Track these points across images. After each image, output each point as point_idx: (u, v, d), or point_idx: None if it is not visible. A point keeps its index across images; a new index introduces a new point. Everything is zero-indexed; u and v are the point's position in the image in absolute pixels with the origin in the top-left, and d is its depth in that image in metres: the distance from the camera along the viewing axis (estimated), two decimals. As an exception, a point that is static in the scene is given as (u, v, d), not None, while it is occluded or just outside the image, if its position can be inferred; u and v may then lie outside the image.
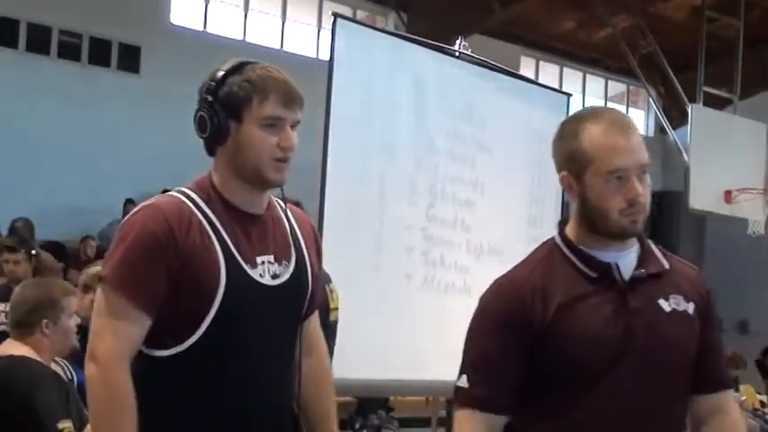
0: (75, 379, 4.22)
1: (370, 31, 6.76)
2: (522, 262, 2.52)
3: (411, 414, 10.50)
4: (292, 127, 2.48)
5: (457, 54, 6.70)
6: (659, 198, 17.75)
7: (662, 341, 2.35)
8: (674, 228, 17.31)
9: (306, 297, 2.61)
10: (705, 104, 12.67)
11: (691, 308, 2.43)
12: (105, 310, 2.37)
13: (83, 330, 5.05)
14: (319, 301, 2.79)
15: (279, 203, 2.64)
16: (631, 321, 2.33)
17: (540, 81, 12.49)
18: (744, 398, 11.66)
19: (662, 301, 2.39)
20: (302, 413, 2.66)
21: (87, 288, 5.10)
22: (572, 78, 18.79)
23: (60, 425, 3.60)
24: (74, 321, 4.00)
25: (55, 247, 12.56)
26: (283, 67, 2.56)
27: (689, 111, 12.20)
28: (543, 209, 7.18)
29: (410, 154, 6.26)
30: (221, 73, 2.48)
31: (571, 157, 2.39)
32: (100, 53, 13.80)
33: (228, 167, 2.49)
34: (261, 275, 2.47)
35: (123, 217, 9.50)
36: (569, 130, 2.42)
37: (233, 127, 2.45)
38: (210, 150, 2.54)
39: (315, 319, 2.77)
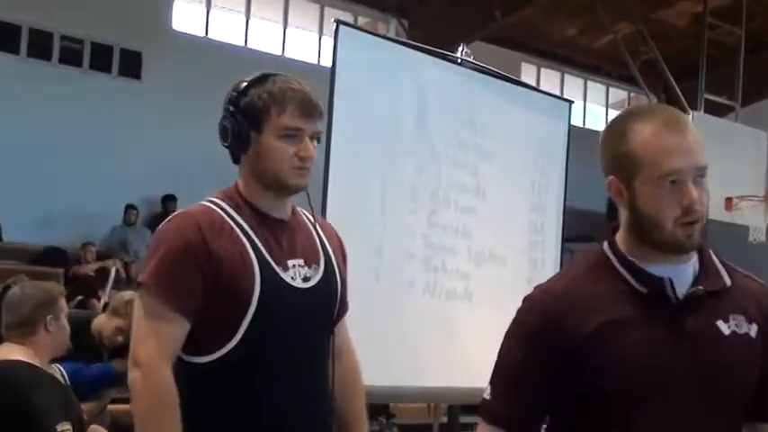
0: (66, 374, 4.25)
1: (372, 37, 6.76)
2: (566, 270, 2.31)
3: (412, 420, 10.48)
4: (312, 137, 2.56)
5: (459, 61, 6.70)
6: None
7: (718, 369, 2.07)
8: (674, 234, 17.30)
9: (336, 300, 2.69)
10: (706, 111, 12.69)
11: (753, 330, 2.13)
12: (144, 315, 2.45)
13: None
14: None
15: (304, 212, 2.73)
16: (683, 345, 2.06)
17: (541, 88, 12.50)
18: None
19: (720, 323, 2.10)
20: (335, 415, 2.74)
21: (115, 312, 5.20)
22: (573, 85, 18.80)
23: (59, 427, 3.63)
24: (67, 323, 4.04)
25: (55, 252, 12.59)
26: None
27: (690, 118, 12.19)
28: (545, 215, 7.18)
29: (412, 160, 6.25)
30: (244, 84, 2.56)
31: (619, 160, 2.14)
32: (101, 59, 13.79)
33: (251, 175, 2.57)
34: (293, 278, 2.54)
35: (123, 222, 9.56)
36: (616, 131, 2.17)
37: (253, 137, 2.53)
38: (235, 159, 2.61)
39: (345, 324, 2.85)
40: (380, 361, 5.88)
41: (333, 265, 2.67)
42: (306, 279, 2.57)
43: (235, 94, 2.55)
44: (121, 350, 5.81)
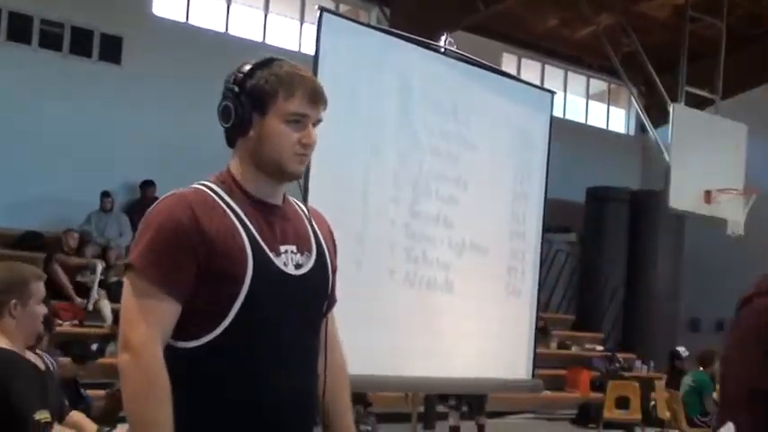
0: (54, 366, 4.19)
1: (356, 25, 6.74)
2: None
3: (389, 409, 10.49)
4: (314, 125, 2.53)
5: (443, 50, 6.68)
6: (638, 197, 17.84)
7: None
8: (653, 227, 17.39)
9: (327, 289, 2.66)
10: (687, 104, 12.72)
11: None
12: (134, 297, 2.39)
13: None
14: None
15: (295, 201, 2.70)
16: None
17: (522, 78, 12.50)
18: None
19: None
20: (323, 405, 2.71)
21: None
22: (553, 76, 18.81)
23: (37, 416, 3.57)
24: (42, 309, 3.93)
25: (33, 237, 12.52)
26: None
27: (670, 110, 12.23)
28: (526, 206, 7.18)
29: (394, 150, 6.24)
30: (249, 66, 2.51)
31: None
32: (81, 43, 13.70)
33: (249, 159, 2.53)
34: (285, 264, 2.50)
35: (100, 208, 9.43)
36: None
37: (256, 119, 2.49)
38: (231, 141, 2.56)
39: (334, 317, 2.82)
40: (359, 349, 5.87)
41: (324, 253, 2.65)
42: (298, 266, 2.53)
43: (240, 75, 2.50)
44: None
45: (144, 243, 2.39)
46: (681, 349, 11.77)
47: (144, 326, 2.35)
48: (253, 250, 2.43)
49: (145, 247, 2.39)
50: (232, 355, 2.42)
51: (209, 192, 2.48)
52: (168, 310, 2.38)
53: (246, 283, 2.40)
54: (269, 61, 2.53)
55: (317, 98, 2.51)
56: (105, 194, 12.92)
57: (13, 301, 3.78)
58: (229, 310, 2.40)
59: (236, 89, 2.49)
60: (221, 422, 2.44)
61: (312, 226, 2.65)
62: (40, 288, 3.93)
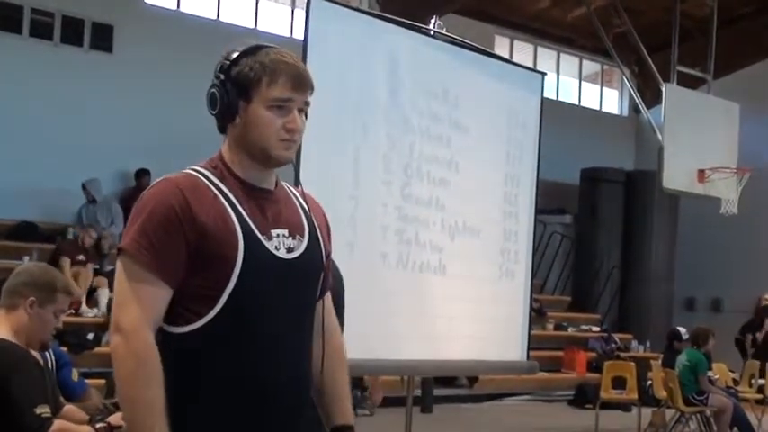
0: (52, 357, 4.20)
1: (345, 10, 6.73)
2: None
3: (386, 393, 10.50)
4: (300, 110, 2.54)
5: (432, 33, 6.69)
6: (632, 177, 17.85)
7: None
8: (647, 207, 17.41)
9: (320, 273, 2.67)
10: (679, 84, 12.70)
11: None
12: (126, 282, 2.40)
13: None
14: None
15: (288, 186, 2.71)
16: None
17: (515, 60, 12.47)
18: (717, 376, 11.79)
19: None
20: (320, 385, 2.72)
21: None
22: (546, 57, 18.79)
23: (38, 410, 3.59)
24: (57, 322, 3.96)
25: (28, 227, 12.52)
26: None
27: (663, 90, 12.22)
28: (518, 187, 7.19)
29: (385, 133, 6.25)
30: (235, 53, 2.53)
31: None
32: (72, 32, 13.66)
33: (237, 145, 2.55)
34: (276, 248, 2.51)
35: (86, 199, 9.24)
36: None
37: (242, 106, 2.51)
38: (221, 128, 2.58)
39: (329, 297, 2.82)
40: (354, 334, 5.85)
41: (318, 237, 2.66)
42: (290, 250, 2.54)
43: (226, 62, 2.52)
44: None
45: (135, 228, 2.40)
46: (682, 330, 11.78)
47: (135, 309, 2.37)
48: (244, 234, 2.44)
49: (136, 232, 2.40)
50: (225, 339, 2.43)
51: (200, 176, 2.49)
52: (159, 294, 2.39)
53: (237, 267, 2.41)
54: (255, 48, 2.54)
55: (301, 83, 2.52)
56: (82, 187, 12.83)
57: (32, 298, 3.83)
58: (221, 293, 2.41)
59: (222, 77, 2.52)
60: (215, 406, 2.44)
61: (305, 210, 2.66)
62: (63, 300, 3.98)
